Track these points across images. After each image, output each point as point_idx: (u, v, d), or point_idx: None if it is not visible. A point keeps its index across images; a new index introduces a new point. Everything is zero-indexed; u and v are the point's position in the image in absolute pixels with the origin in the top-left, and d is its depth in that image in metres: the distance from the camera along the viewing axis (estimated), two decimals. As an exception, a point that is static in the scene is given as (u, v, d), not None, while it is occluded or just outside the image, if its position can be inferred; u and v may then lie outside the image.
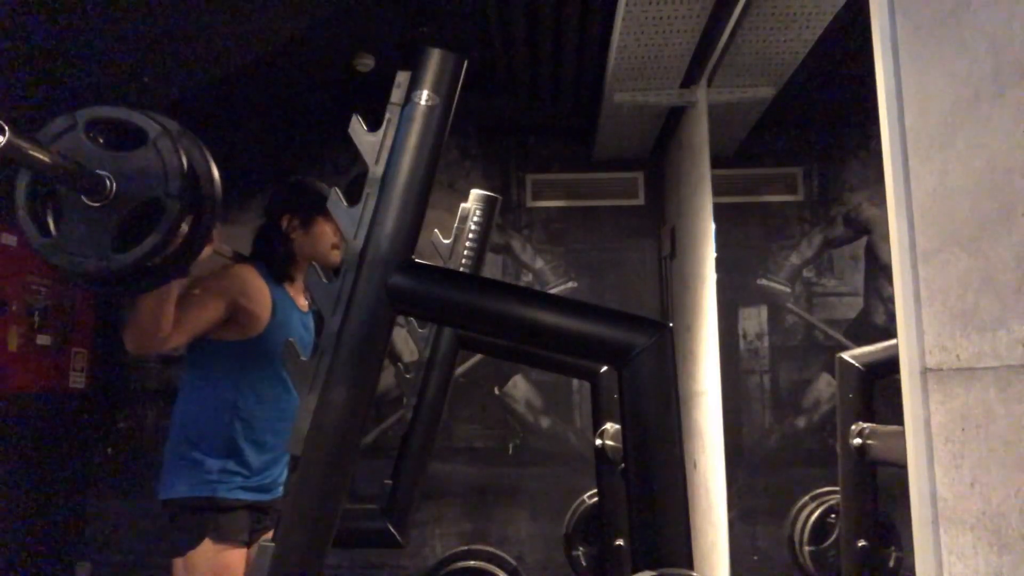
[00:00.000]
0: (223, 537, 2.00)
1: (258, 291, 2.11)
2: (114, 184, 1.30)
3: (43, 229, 1.32)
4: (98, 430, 4.31)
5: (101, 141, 1.34)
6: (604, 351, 1.33)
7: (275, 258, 2.20)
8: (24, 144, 1.12)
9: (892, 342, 2.13)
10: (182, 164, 1.33)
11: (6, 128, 1.02)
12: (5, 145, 1.02)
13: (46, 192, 1.33)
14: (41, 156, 1.17)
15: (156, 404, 4.42)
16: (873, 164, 4.53)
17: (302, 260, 2.23)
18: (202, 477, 2.01)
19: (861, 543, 2.25)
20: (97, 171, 1.29)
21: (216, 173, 1.45)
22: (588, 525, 3.19)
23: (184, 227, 1.40)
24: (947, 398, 1.09)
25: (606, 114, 3.89)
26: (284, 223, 2.22)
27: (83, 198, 1.30)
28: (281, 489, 2.18)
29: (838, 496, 2.39)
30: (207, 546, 1.97)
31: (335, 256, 2.22)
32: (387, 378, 4.33)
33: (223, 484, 2.02)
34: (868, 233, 4.53)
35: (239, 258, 2.21)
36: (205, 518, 1.99)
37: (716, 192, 3.34)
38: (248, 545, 2.08)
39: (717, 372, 3.10)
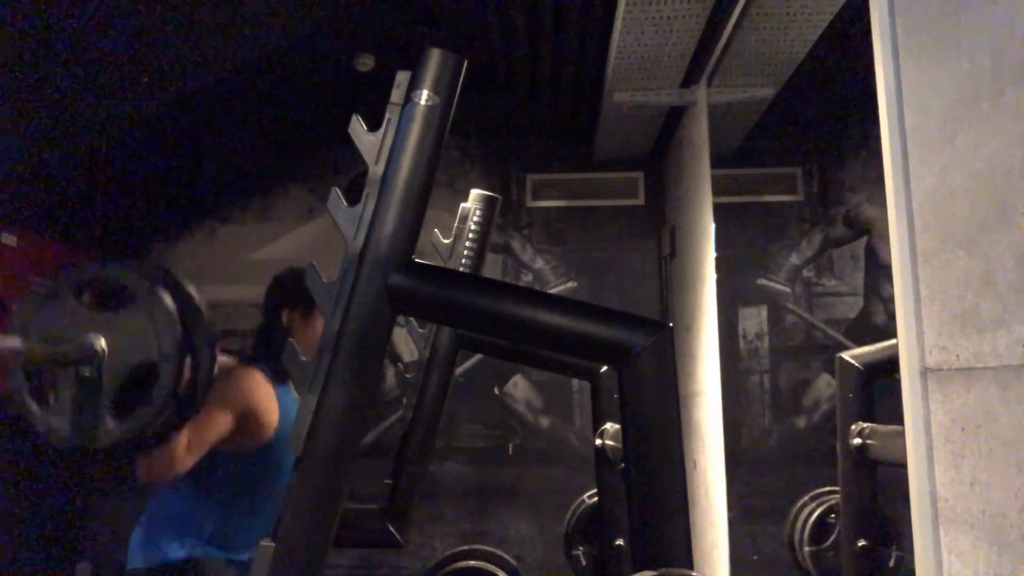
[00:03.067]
0: None
1: (265, 397, 2.03)
2: (106, 348, 1.30)
3: (42, 403, 1.32)
4: (98, 430, 4.31)
5: (90, 300, 1.33)
6: (604, 351, 1.33)
7: (278, 358, 2.14)
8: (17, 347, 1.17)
9: (892, 342, 2.13)
10: (173, 322, 1.33)
11: None
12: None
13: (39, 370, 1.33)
14: (36, 351, 1.21)
15: (156, 404, 4.42)
16: (873, 164, 4.53)
17: (307, 354, 2.15)
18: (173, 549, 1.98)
19: (861, 543, 2.24)
20: (88, 338, 1.28)
21: (207, 317, 1.42)
22: (588, 525, 3.19)
23: (184, 377, 1.38)
24: (947, 398, 1.09)
25: (606, 114, 3.89)
26: (284, 318, 2.13)
27: (79, 369, 1.29)
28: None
29: (838, 496, 2.39)
30: None
31: None
32: (387, 378, 4.33)
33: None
34: (868, 233, 4.52)
35: (243, 358, 2.13)
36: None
37: (716, 192, 3.34)
38: None
39: (717, 372, 3.10)
